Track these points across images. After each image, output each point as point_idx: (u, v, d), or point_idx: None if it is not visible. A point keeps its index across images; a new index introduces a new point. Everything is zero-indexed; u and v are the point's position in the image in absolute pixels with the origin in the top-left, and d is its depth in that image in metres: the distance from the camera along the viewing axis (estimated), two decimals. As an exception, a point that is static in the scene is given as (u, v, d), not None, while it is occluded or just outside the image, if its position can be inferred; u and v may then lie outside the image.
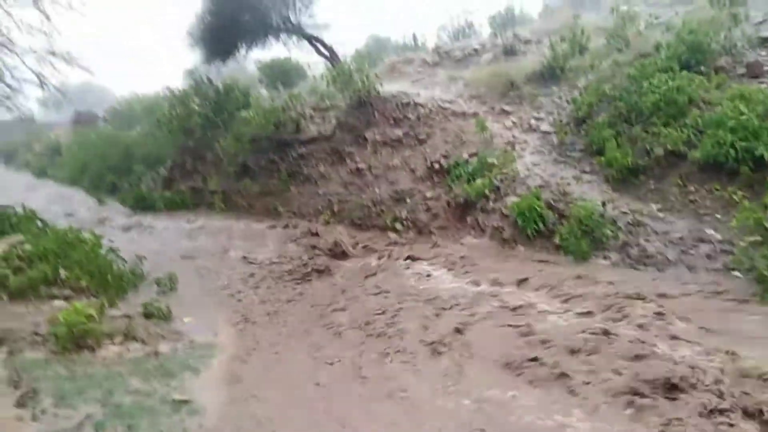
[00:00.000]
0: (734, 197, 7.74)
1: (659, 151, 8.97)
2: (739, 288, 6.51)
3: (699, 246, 7.50)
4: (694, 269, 7.21)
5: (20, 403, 4.42)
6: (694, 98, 9.24)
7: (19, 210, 10.80)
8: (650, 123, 9.39)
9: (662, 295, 6.36)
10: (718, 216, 7.88)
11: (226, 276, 8.87)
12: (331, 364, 5.60)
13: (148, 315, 6.91)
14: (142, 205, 16.01)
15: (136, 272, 8.55)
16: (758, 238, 6.80)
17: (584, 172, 9.80)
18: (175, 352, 5.79)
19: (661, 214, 8.31)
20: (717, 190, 8.11)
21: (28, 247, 7.96)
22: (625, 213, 8.41)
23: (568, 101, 11.75)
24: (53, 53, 12.62)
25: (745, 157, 7.89)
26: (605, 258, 8.01)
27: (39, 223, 10.22)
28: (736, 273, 6.87)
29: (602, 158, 9.56)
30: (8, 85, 13.07)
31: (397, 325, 6.31)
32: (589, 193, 9.08)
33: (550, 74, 12.87)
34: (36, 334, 5.84)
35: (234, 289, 8.19)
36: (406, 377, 5.14)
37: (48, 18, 12.02)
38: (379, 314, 6.76)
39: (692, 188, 8.44)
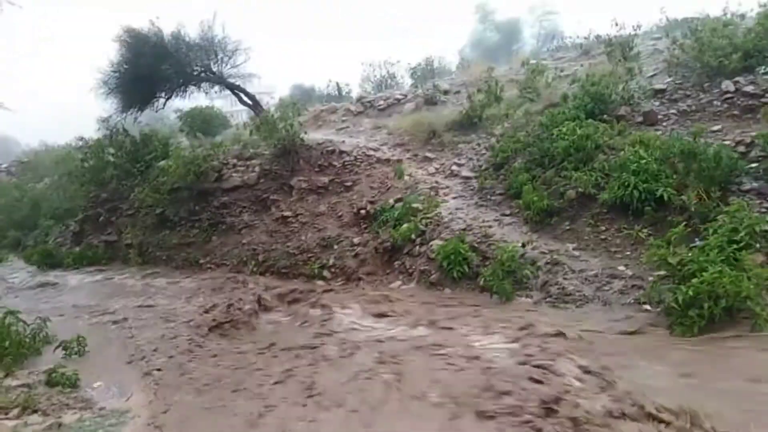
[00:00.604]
0: (640, 235, 8.27)
1: (571, 193, 9.50)
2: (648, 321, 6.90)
3: (612, 282, 7.90)
4: (609, 304, 7.55)
5: None
6: (599, 144, 9.93)
7: None
8: (562, 167, 9.96)
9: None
10: (628, 253, 8.39)
11: (140, 335, 8.27)
12: (255, 417, 5.29)
13: (52, 383, 6.28)
14: (49, 261, 14.93)
15: (38, 336, 7.82)
16: (664, 272, 7.25)
17: (504, 215, 10.19)
18: (81, 423, 5.26)
19: (576, 253, 8.72)
20: (625, 228, 8.63)
21: None
22: (544, 253, 8.75)
23: (486, 148, 12.30)
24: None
25: (648, 197, 8.50)
26: (527, 297, 8.24)
27: (-75, 286, 9.24)
28: (647, 306, 7.26)
29: (520, 201, 10.00)
30: None
31: (319, 378, 6.13)
32: (510, 234, 9.41)
33: (469, 123, 13.46)
34: None
35: (149, 349, 7.63)
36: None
37: None
38: (300, 367, 6.51)
39: (603, 227, 8.95)
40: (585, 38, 17.66)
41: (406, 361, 6.25)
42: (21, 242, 18.03)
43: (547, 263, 8.54)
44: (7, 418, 5.22)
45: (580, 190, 9.42)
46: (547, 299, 8.04)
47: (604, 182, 9.26)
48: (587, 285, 7.98)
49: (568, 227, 9.35)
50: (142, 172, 14.84)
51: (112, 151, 15.64)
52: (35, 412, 5.47)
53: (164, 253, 13.54)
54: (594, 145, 9.90)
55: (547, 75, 14.08)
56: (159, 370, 6.80)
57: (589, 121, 10.50)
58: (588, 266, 8.32)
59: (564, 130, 10.33)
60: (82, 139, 17.58)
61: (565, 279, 8.16)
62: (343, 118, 17.13)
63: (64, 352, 7.45)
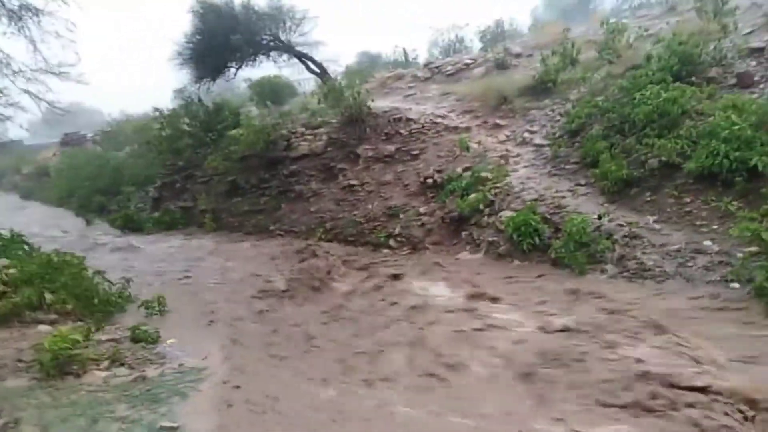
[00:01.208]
0: (730, 208, 7.65)
1: (654, 162, 8.92)
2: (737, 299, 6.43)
3: (696, 258, 7.39)
4: (692, 281, 7.10)
5: (1, 434, 4.22)
6: (686, 109, 9.22)
7: (5, 233, 10.57)
8: (644, 134, 9.35)
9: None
10: (715, 227, 7.79)
11: (215, 296, 8.66)
12: (322, 384, 5.42)
13: (135, 339, 6.69)
14: (130, 225, 15.80)
15: (123, 295, 8.33)
16: (756, 249, 6.72)
17: (579, 185, 9.73)
18: (162, 377, 5.57)
19: (657, 226, 8.22)
20: (713, 200, 8.03)
21: (12, 271, 7.75)
22: (621, 225, 8.31)
23: (560, 114, 11.75)
24: (45, 71, 12.51)
25: (739, 167, 7.83)
26: (602, 272, 7.88)
27: (25, 247, 10.00)
28: (735, 285, 6.76)
29: (597, 170, 9.51)
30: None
31: (387, 345, 6.19)
32: (585, 206, 8.99)
33: (542, 87, 12.89)
34: (19, 360, 5.64)
35: (224, 310, 7.98)
36: (395, 396, 5.01)
37: (35, 48, 11.91)
38: (370, 333, 6.61)
39: (688, 199, 8.37)
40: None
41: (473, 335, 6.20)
42: (105, 207, 19.17)
43: (624, 236, 8.11)
44: (98, 369, 5.61)
45: (663, 158, 8.81)
46: (624, 274, 7.65)
47: (690, 150, 8.60)
48: (668, 260, 7.52)
49: (648, 199, 8.81)
50: (214, 141, 15.30)
51: (186, 120, 16.18)
52: (122, 365, 5.84)
53: (236, 220, 14.01)
54: (680, 110, 9.19)
55: (628, 34, 13.15)
56: (234, 331, 7.09)
57: (676, 84, 9.73)
58: (670, 240, 7.83)
59: (647, 93, 9.65)
60: (157, 109, 18.31)
61: (643, 253, 7.73)
62: (410, 85, 16.88)
63: (146, 310, 7.91)
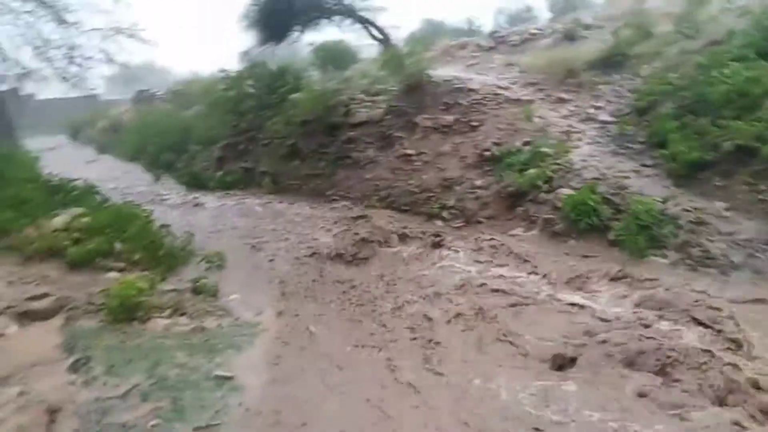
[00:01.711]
0: (810, 198, 7.18)
1: (728, 145, 8.39)
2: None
3: (768, 249, 7.01)
4: (762, 273, 6.75)
5: (73, 369, 4.61)
6: (769, 90, 8.59)
7: (81, 183, 11.27)
8: (719, 115, 8.78)
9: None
10: (791, 218, 7.35)
11: (272, 256, 8.97)
12: (371, 349, 5.58)
13: (196, 291, 7.09)
14: (195, 183, 16.42)
15: (186, 248, 8.79)
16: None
17: (644, 165, 9.31)
18: (220, 329, 5.90)
19: (727, 214, 7.80)
20: (791, 190, 7.54)
21: (86, 219, 8.30)
22: (687, 210, 7.94)
23: (630, 90, 11.19)
24: (119, 30, 13.11)
25: (825, 155, 7.29)
26: (663, 257, 7.59)
27: (98, 197, 10.66)
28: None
29: (665, 151, 9.06)
30: (78, 64, 13.69)
31: (434, 314, 6.30)
32: (649, 188, 8.62)
33: (612, 61, 12.27)
34: (90, 303, 6.10)
35: (280, 270, 8.28)
36: (444, 365, 5.10)
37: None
38: (417, 302, 6.71)
39: (763, 187, 7.86)
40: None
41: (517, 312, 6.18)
42: (173, 164, 19.95)
43: (690, 222, 7.76)
44: (161, 317, 6.00)
45: (739, 142, 8.26)
46: (686, 261, 7.34)
47: (770, 134, 8.06)
48: (736, 250, 7.16)
49: (719, 184, 8.34)
50: (276, 104, 15.52)
51: (251, 83, 16.47)
52: (183, 314, 6.23)
53: (295, 183, 14.29)
54: (762, 91, 8.56)
55: (711, 7, 12.28)
56: (288, 289, 7.38)
57: (760, 62, 9.05)
58: (740, 229, 7.44)
59: (726, 72, 9.03)
60: (224, 70, 18.73)
61: (709, 241, 7.38)
62: (473, 54, 16.46)
63: (206, 264, 8.32)
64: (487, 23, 23.99)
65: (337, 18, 18.86)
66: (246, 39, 19.48)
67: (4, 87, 17.27)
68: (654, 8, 14.34)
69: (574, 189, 8.92)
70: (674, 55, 11.19)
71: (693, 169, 8.63)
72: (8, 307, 5.68)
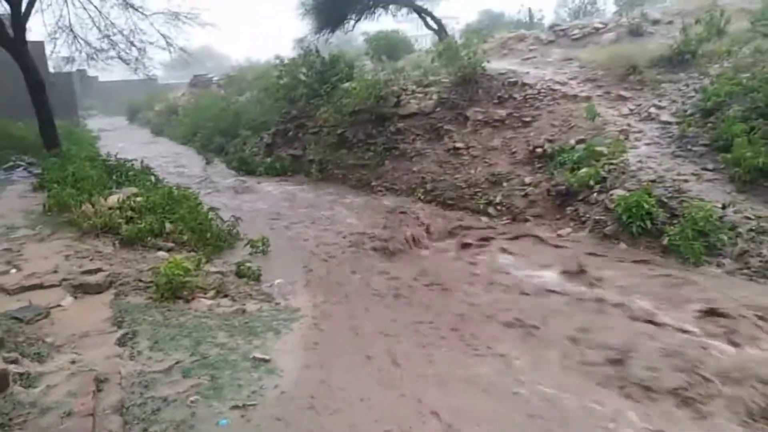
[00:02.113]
0: None
1: (799, 153, 7.88)
2: None
3: (837, 264, 6.55)
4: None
5: (121, 342, 4.76)
6: None
7: (136, 164, 11.67)
8: (792, 120, 8.26)
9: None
10: None
11: (316, 244, 9.04)
12: (409, 341, 5.54)
13: (239, 274, 7.21)
14: (245, 168, 16.77)
15: (232, 232, 8.97)
16: None
17: (706, 169, 8.84)
18: (260, 313, 5.97)
19: (793, 224, 7.33)
20: None
21: (140, 199, 8.59)
22: (748, 218, 7.50)
23: (696, 90, 10.64)
24: (177, 15, 13.50)
25: None
26: (719, 266, 7.21)
27: (152, 178, 11.01)
28: None
29: (729, 155, 8.56)
30: (139, 48, 14.20)
31: (474, 311, 6.23)
32: (709, 192, 8.18)
33: (679, 59, 11.71)
34: (140, 280, 6.29)
35: (322, 258, 8.33)
36: (476, 362, 5.01)
37: None
38: (460, 299, 6.62)
39: (835, 198, 7.36)
40: None
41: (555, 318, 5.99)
42: (224, 148, 20.45)
43: (750, 230, 7.33)
44: (205, 297, 6.12)
45: (812, 149, 7.76)
46: (743, 270, 6.96)
47: None
48: (800, 262, 6.73)
49: (786, 192, 7.85)
50: (328, 93, 15.61)
51: (303, 70, 16.63)
52: (226, 296, 6.34)
53: (341, 172, 14.37)
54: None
55: (792, 4, 11.52)
56: (329, 278, 7.42)
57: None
58: (805, 241, 6.98)
59: (804, 73, 8.47)
60: (278, 57, 18.99)
61: (771, 251, 6.96)
62: (531, 47, 16.04)
63: (251, 249, 8.45)
64: (548, 16, 23.36)
65: (392, 7, 18.78)
66: (301, 27, 19.71)
67: (71, 68, 18.06)
68: (729, 4, 13.57)
69: (629, 191, 8.56)
70: (747, 55, 10.58)
71: (758, 175, 8.13)
72: (64, 279, 5.94)
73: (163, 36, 13.75)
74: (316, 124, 15.70)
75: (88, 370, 4.19)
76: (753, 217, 7.50)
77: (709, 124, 9.60)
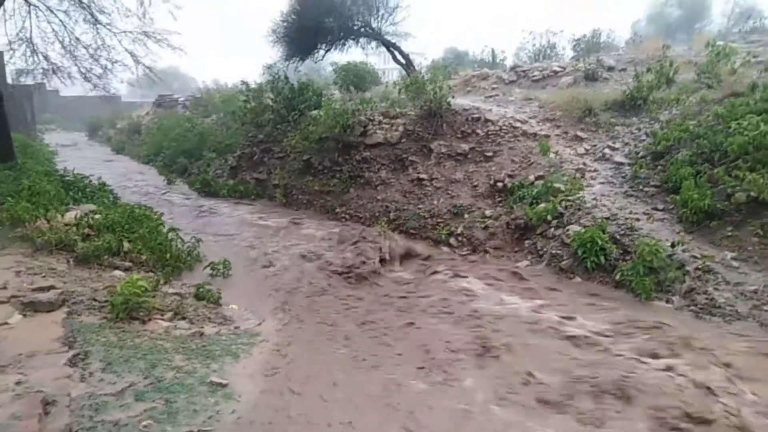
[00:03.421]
0: (822, 255, 7.12)
1: (741, 196, 8.39)
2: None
3: (775, 303, 6.94)
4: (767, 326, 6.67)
5: (72, 363, 4.62)
6: (787, 144, 8.60)
7: (95, 181, 11.43)
8: (735, 166, 8.79)
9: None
10: (802, 274, 7.28)
11: (278, 268, 9.01)
12: (371, 366, 5.55)
13: (198, 296, 7.12)
14: (207, 189, 16.62)
15: (192, 253, 8.85)
16: None
17: (656, 209, 9.31)
18: (219, 336, 5.90)
19: (735, 264, 7.75)
20: (802, 245, 7.49)
21: (98, 217, 8.42)
22: (695, 257, 7.90)
23: (647, 134, 11.25)
24: (147, 34, 13.42)
25: (839, 214, 7.25)
26: (668, 302, 7.54)
27: (110, 196, 10.79)
28: (816, 337, 6.30)
29: (677, 197, 9.05)
30: (102, 66, 13.99)
31: (433, 337, 6.30)
32: (659, 231, 8.60)
33: (632, 104, 12.39)
34: (94, 299, 6.14)
35: (283, 283, 8.31)
36: (439, 392, 5.05)
37: (143, 6, 12.81)
38: (417, 325, 6.71)
39: (774, 240, 7.84)
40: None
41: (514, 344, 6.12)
42: (187, 169, 20.23)
43: (697, 269, 7.71)
44: (162, 319, 6.01)
45: (752, 193, 8.26)
46: (691, 307, 7.29)
47: (785, 189, 8.04)
48: (742, 300, 7.10)
49: (729, 234, 8.30)
50: (295, 119, 15.74)
51: (271, 96, 16.74)
52: (184, 318, 6.25)
53: (305, 197, 14.42)
54: (780, 145, 8.59)
55: (734, 59, 12.37)
56: (290, 303, 7.38)
57: (779, 116, 9.09)
58: (747, 280, 7.38)
59: (745, 124, 9.06)
60: (245, 82, 19.06)
61: (716, 289, 7.33)
62: (494, 86, 16.66)
63: (211, 271, 8.35)
64: (510, 56, 24.26)
65: (362, 40, 19.20)
66: (271, 53, 19.91)
67: (30, 81, 17.62)
68: (677, 56, 14.49)
69: (584, 227, 8.91)
70: (694, 103, 11.28)
71: (704, 216, 8.61)
72: (13, 297, 5.74)
73: (131, 54, 13.61)
74: (283, 149, 15.76)
75: (34, 392, 4.06)
76: (699, 257, 7.89)
77: (659, 167, 10.13)
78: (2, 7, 12.27)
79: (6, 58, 14.54)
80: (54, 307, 5.71)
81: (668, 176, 9.63)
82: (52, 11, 13.13)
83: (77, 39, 13.55)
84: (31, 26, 13.30)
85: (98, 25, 13.39)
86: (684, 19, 30.98)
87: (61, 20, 13.28)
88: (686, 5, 31.50)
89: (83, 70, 13.76)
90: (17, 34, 13.27)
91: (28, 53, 13.57)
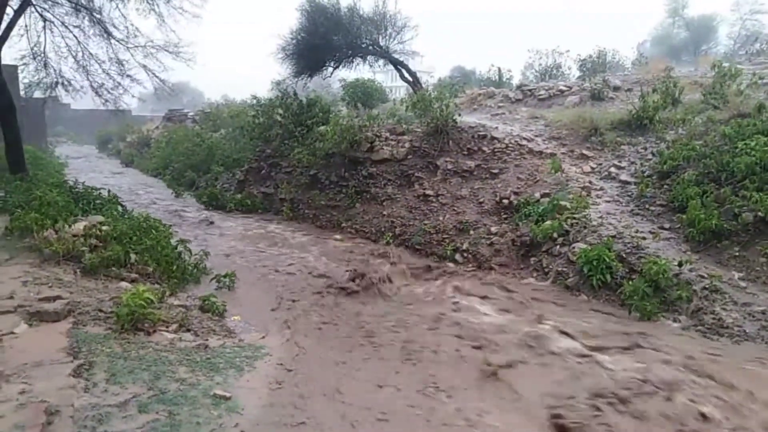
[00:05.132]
0: (829, 276, 7.07)
1: (748, 216, 8.36)
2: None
3: (783, 323, 6.88)
4: (775, 347, 6.61)
5: (76, 373, 4.63)
6: (794, 165, 8.59)
7: (104, 193, 11.52)
8: (742, 186, 8.78)
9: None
10: (810, 295, 7.23)
11: (283, 282, 9.02)
12: (373, 381, 5.54)
13: (204, 309, 7.13)
14: (214, 203, 16.72)
15: (199, 266, 8.88)
16: None
17: (662, 228, 9.28)
18: (223, 348, 5.89)
19: (743, 284, 7.71)
20: (810, 266, 7.44)
21: (106, 228, 8.47)
22: (702, 277, 7.85)
23: (653, 153, 11.26)
24: (161, 48, 13.66)
25: None
26: (675, 321, 7.48)
27: (119, 208, 10.87)
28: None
29: (684, 216, 9.03)
30: (115, 81, 14.21)
31: (436, 353, 6.31)
32: (666, 250, 8.57)
33: (638, 124, 12.41)
34: (100, 310, 6.15)
35: (289, 296, 8.31)
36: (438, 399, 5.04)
37: (163, 20, 13.06)
38: (420, 340, 6.69)
39: (782, 260, 7.80)
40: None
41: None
42: (195, 182, 20.38)
43: (704, 288, 7.66)
44: (167, 331, 6.02)
45: (760, 213, 8.23)
46: (698, 327, 7.22)
47: (792, 209, 8.01)
48: (750, 321, 7.04)
49: (736, 254, 8.26)
50: (303, 135, 15.87)
51: (280, 111, 16.90)
52: (188, 330, 6.25)
53: (312, 212, 14.48)
54: (786, 166, 8.58)
55: (740, 81, 12.41)
56: (295, 317, 7.38)
57: (787, 138, 9.11)
58: (755, 300, 7.32)
59: (752, 144, 9.09)
60: (255, 97, 19.28)
61: (723, 309, 7.27)
62: (500, 104, 16.76)
63: (217, 283, 8.37)
64: (516, 75, 24.47)
65: (370, 58, 19.43)
66: (280, 70, 20.22)
67: (42, 94, 17.89)
68: (683, 76, 14.55)
69: (590, 244, 8.89)
70: (700, 124, 11.30)
71: (711, 236, 8.58)
72: (20, 306, 5.77)
73: (144, 67, 13.82)
74: (290, 164, 15.87)
75: (38, 401, 4.06)
76: (707, 276, 7.84)
77: (666, 186, 10.13)
78: (17, 23, 12.53)
79: (19, 71, 14.80)
80: (60, 318, 5.73)
81: (674, 195, 9.62)
82: (67, 27, 13.40)
83: (90, 54, 13.81)
84: (45, 41, 13.58)
85: (112, 40, 13.65)
86: (690, 40, 31.20)
87: (75, 36, 13.55)
88: (693, 27, 31.72)
89: (95, 85, 14.00)
90: (32, 49, 13.55)
91: (41, 67, 13.83)
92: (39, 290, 6.31)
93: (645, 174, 10.81)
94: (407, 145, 13.73)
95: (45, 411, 3.93)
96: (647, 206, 10.01)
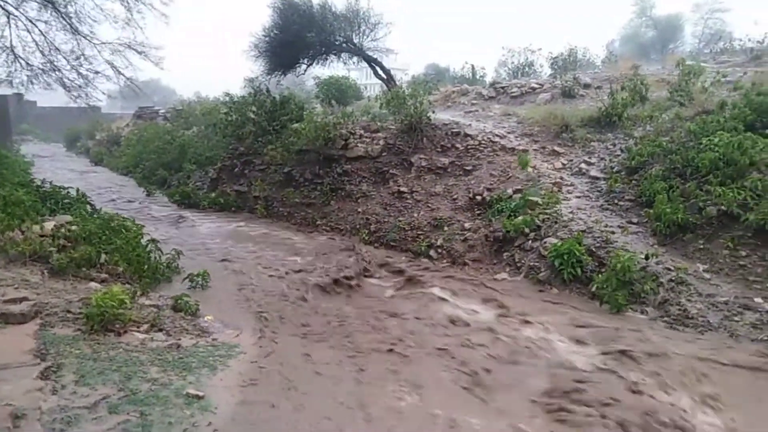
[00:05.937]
0: (789, 267, 7.34)
1: (712, 210, 8.63)
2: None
3: (745, 313, 7.12)
4: (736, 337, 6.83)
5: (44, 376, 4.54)
6: (755, 160, 8.87)
7: (73, 192, 11.28)
8: (706, 181, 9.06)
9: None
10: (769, 285, 7.49)
11: (257, 281, 8.95)
12: (347, 378, 5.57)
13: (176, 308, 7.04)
14: (187, 201, 16.51)
15: (171, 265, 8.76)
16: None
17: (631, 222, 9.51)
18: (196, 348, 5.84)
19: (707, 276, 7.95)
20: (771, 257, 7.71)
21: (74, 228, 8.30)
22: (668, 269, 8.08)
23: (622, 149, 11.51)
24: (128, 46, 13.38)
25: (805, 226, 7.50)
26: (642, 312, 7.68)
27: (88, 207, 10.66)
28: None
29: (651, 210, 9.27)
30: (83, 76, 13.88)
31: (411, 347, 6.41)
32: (634, 244, 8.78)
33: (607, 121, 12.66)
34: (68, 311, 6.04)
35: (261, 294, 8.26)
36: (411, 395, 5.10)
37: (131, 13, 12.80)
38: (396, 336, 6.75)
39: (743, 253, 8.06)
40: (758, 42, 15.79)
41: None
42: (167, 181, 20.07)
43: (670, 280, 7.88)
44: (138, 331, 5.94)
45: (722, 207, 8.51)
46: (664, 318, 7.44)
47: (753, 203, 8.28)
48: (714, 312, 7.26)
49: (701, 246, 8.53)
50: (276, 132, 15.76)
51: (253, 109, 16.73)
52: (160, 330, 6.17)
53: (286, 210, 14.40)
54: (748, 161, 8.85)
55: (704, 79, 12.76)
56: (268, 315, 7.35)
57: (748, 134, 9.40)
58: (718, 291, 7.57)
59: (715, 140, 9.37)
60: (228, 95, 19.06)
61: (688, 300, 7.49)
62: (473, 102, 16.89)
63: (189, 283, 8.28)
64: (489, 73, 24.70)
65: (344, 55, 19.37)
66: (253, 67, 19.99)
67: (8, 91, 17.41)
68: (651, 74, 14.88)
69: (561, 239, 9.06)
70: (667, 120, 11.58)
71: (677, 230, 8.83)
72: (-16, 308, 5.62)
73: (111, 65, 13.53)
74: (264, 161, 15.75)
75: (3, 405, 3.98)
76: (672, 268, 8.08)
77: (634, 181, 10.37)
78: None
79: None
80: (26, 319, 5.61)
81: (642, 190, 9.86)
82: (32, 21, 13.04)
83: (57, 49, 13.46)
84: (11, 35, 13.20)
85: (78, 36, 13.33)
86: (658, 39, 31.90)
87: (41, 30, 13.20)
88: (660, 26, 32.44)
89: (66, 80, 13.66)
90: (-5, 44, 13.16)
91: (10, 61, 13.45)
92: (4, 292, 6.15)
93: (614, 170, 11.05)
94: (382, 142, 13.76)
95: (10, 414, 3.84)
96: (616, 201, 10.24)
